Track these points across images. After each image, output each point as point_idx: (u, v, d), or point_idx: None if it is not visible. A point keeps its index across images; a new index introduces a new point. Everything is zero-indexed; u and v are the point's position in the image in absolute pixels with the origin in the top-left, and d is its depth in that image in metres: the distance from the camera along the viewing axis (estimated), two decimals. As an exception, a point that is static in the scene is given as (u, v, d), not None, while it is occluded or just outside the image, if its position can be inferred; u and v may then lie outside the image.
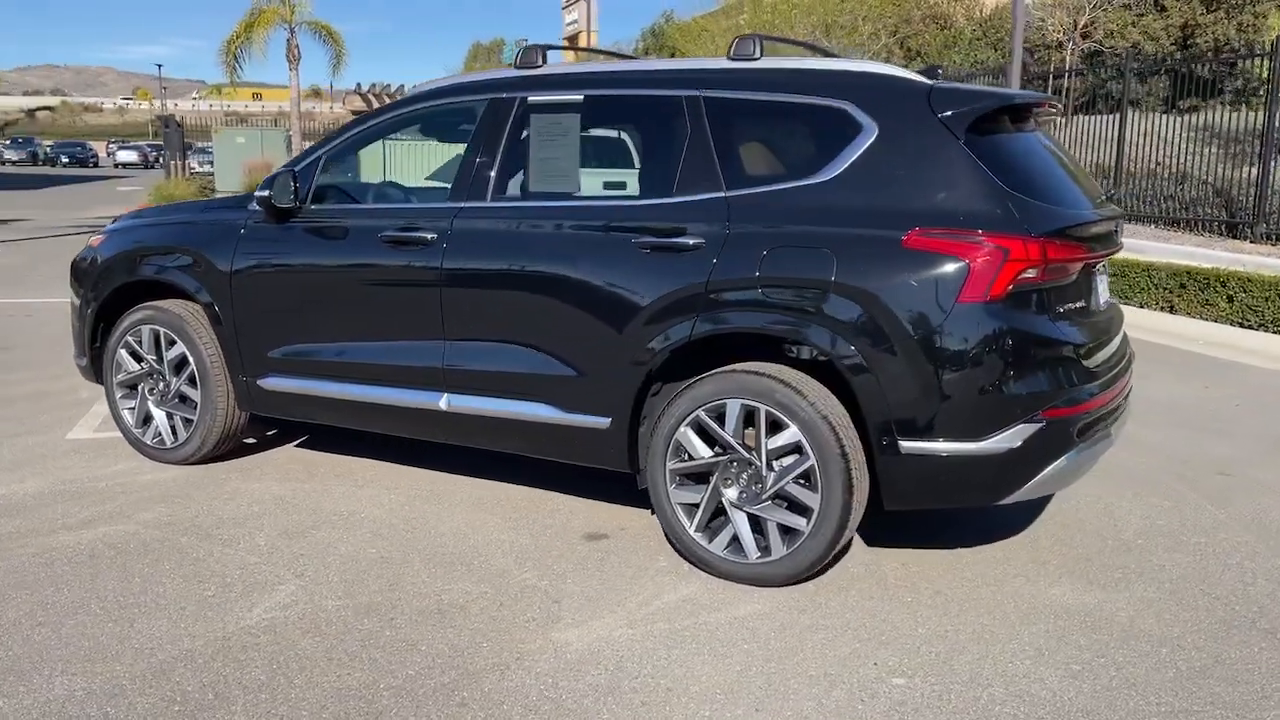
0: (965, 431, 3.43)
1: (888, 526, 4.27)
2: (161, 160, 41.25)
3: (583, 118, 4.18)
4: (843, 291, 3.50)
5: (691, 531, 3.84)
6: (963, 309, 3.38)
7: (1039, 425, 3.42)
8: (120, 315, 5.10)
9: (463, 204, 4.24)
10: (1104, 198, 4.16)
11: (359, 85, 43.27)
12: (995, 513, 4.49)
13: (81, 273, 5.27)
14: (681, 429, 3.80)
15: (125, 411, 5.14)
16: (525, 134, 4.23)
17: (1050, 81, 16.66)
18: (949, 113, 3.55)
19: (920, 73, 4.20)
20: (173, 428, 5.02)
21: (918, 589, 3.78)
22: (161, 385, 5.02)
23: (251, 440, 5.49)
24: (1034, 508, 4.62)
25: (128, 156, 62.91)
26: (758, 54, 3.93)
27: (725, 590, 3.74)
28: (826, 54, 4.39)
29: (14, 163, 61.86)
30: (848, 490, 3.55)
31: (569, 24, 30.15)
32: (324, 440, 5.47)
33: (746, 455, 3.71)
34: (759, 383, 3.64)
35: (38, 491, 4.64)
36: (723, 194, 3.78)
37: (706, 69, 4.00)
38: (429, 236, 4.23)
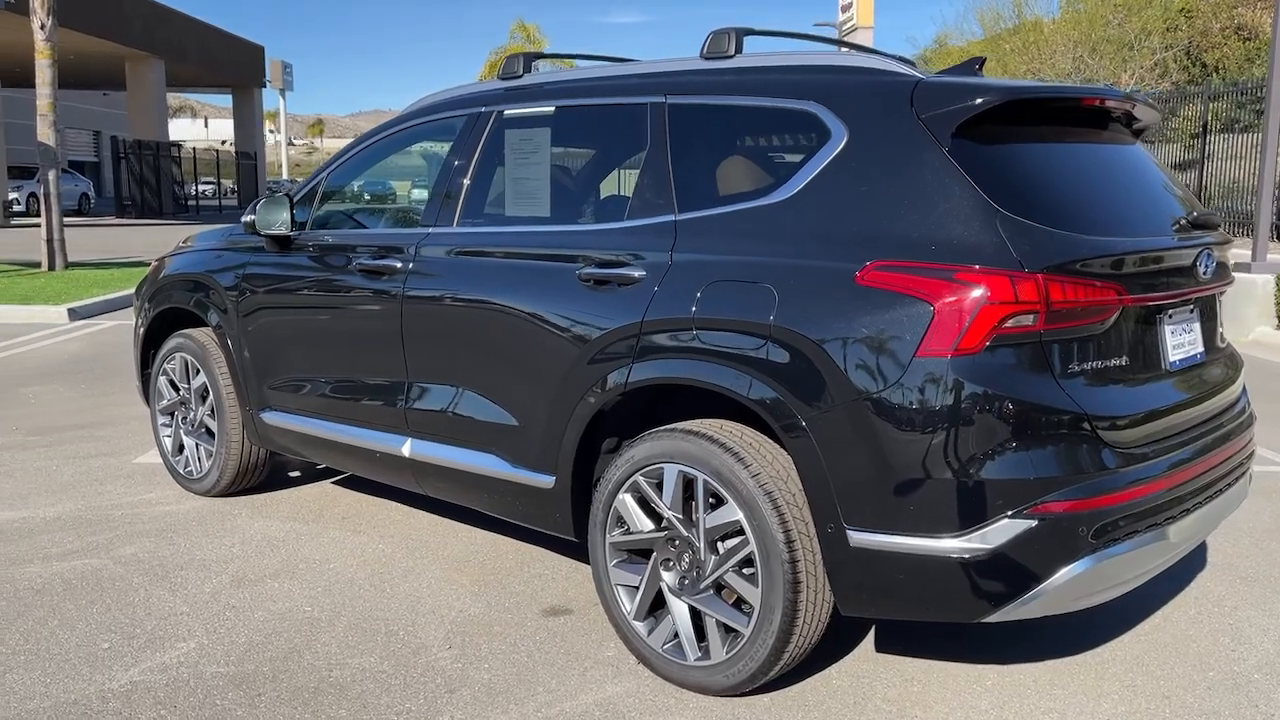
0: (928, 525, 2.61)
1: (916, 625, 3.45)
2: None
3: (554, 133, 3.67)
4: (782, 337, 2.78)
5: (630, 619, 3.21)
6: (924, 364, 2.58)
7: (1030, 523, 2.55)
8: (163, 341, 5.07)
9: (430, 229, 3.84)
10: (1188, 221, 3.15)
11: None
12: (1070, 618, 3.52)
13: (139, 295, 5.29)
14: (620, 495, 3.18)
15: (165, 438, 5.10)
16: (497, 152, 3.77)
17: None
18: (934, 113, 2.76)
19: (961, 65, 3.39)
20: (199, 458, 4.92)
21: (902, 718, 2.97)
22: (191, 414, 4.93)
23: (295, 473, 5.33)
24: (1132, 613, 3.61)
25: None
26: (733, 50, 3.28)
27: (659, 695, 3.08)
28: (860, 48, 3.64)
29: None
30: (793, 587, 2.81)
31: (843, 20, 28.38)
32: (360, 479, 5.20)
33: (685, 533, 3.05)
34: (696, 446, 2.97)
35: (56, 516, 4.63)
36: (672, 218, 3.15)
37: (673, 71, 3.39)
38: (396, 265, 3.86)
